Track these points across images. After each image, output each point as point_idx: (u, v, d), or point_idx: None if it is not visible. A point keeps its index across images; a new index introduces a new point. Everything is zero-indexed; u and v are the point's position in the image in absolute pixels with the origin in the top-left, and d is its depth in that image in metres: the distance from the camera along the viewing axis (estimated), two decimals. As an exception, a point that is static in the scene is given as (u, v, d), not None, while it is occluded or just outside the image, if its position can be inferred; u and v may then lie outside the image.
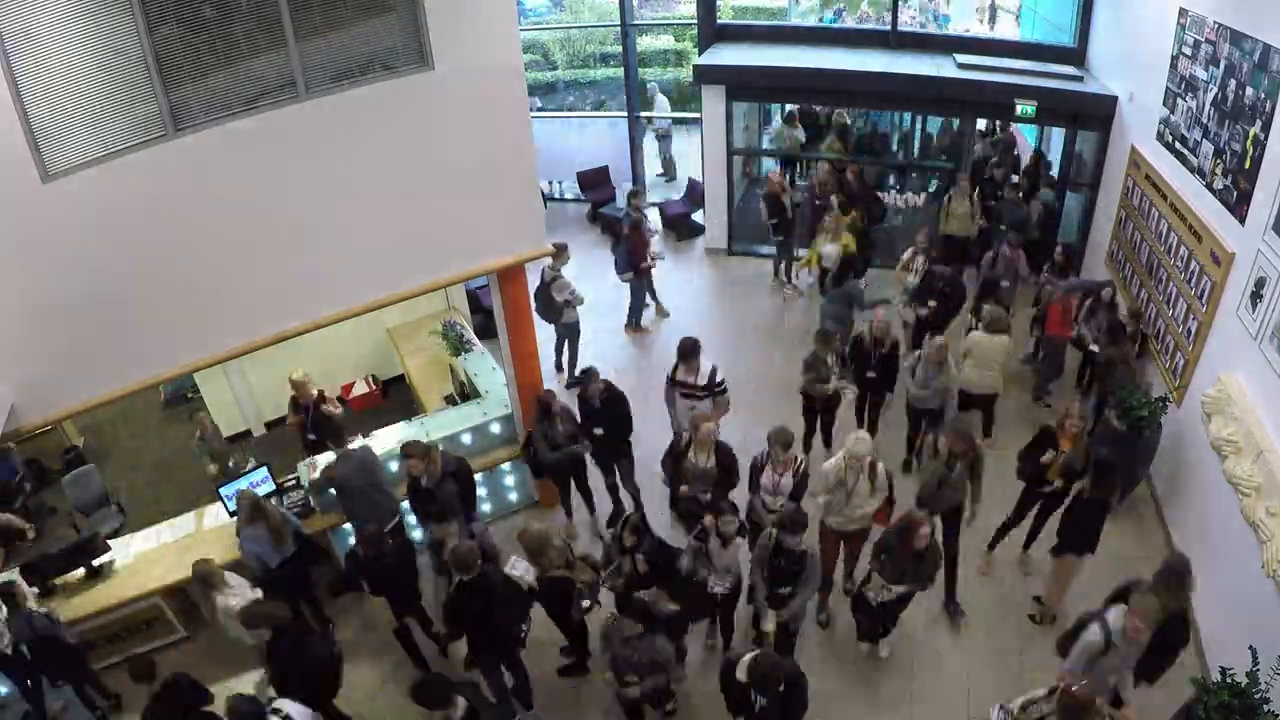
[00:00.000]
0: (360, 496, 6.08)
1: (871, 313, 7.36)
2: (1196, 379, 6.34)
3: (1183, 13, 6.96)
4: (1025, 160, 11.06)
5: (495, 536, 6.67)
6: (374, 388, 9.12)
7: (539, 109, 13.79)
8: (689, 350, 6.55)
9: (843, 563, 6.14)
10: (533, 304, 7.23)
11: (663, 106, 13.40)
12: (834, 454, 6.08)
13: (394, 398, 9.14)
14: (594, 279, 10.16)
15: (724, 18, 12.04)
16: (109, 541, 6.37)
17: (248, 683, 6.08)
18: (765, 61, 10.36)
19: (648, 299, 9.92)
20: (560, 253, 7.78)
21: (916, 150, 11.55)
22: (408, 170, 5.37)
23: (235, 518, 6.05)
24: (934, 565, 5.35)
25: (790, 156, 12.29)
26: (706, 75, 10.44)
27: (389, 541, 5.73)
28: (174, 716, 4.74)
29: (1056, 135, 10.73)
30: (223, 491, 6.42)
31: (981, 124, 10.60)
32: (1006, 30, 13.21)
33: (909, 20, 12.88)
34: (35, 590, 5.90)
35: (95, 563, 6.17)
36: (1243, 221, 5.79)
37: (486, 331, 8.78)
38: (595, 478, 6.97)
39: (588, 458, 6.76)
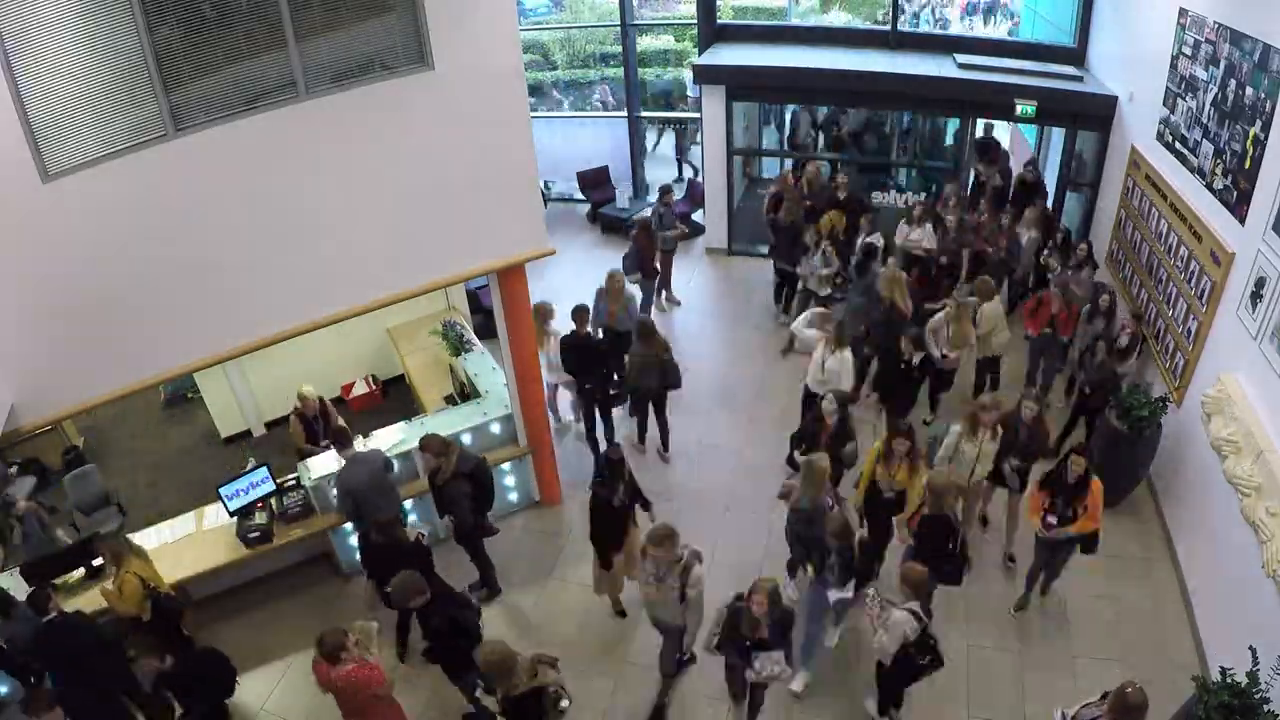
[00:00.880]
0: (366, 502, 6.04)
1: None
2: (1196, 379, 6.35)
3: (1183, 13, 6.97)
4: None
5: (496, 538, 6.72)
6: (374, 388, 9.12)
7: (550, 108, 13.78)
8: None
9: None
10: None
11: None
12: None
13: (394, 398, 9.13)
14: (593, 280, 10.14)
15: (724, 18, 12.03)
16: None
17: (244, 681, 6.11)
18: (765, 61, 10.37)
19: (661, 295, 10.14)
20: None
21: (895, 149, 11.52)
22: (408, 170, 5.37)
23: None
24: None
25: (791, 157, 12.28)
26: (706, 75, 10.45)
27: (403, 530, 5.73)
28: None
29: (1056, 135, 10.72)
30: (223, 491, 6.42)
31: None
32: (1002, 28, 13.21)
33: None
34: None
35: (95, 563, 6.16)
36: (1243, 221, 5.79)
37: (486, 331, 8.78)
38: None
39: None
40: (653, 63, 15.08)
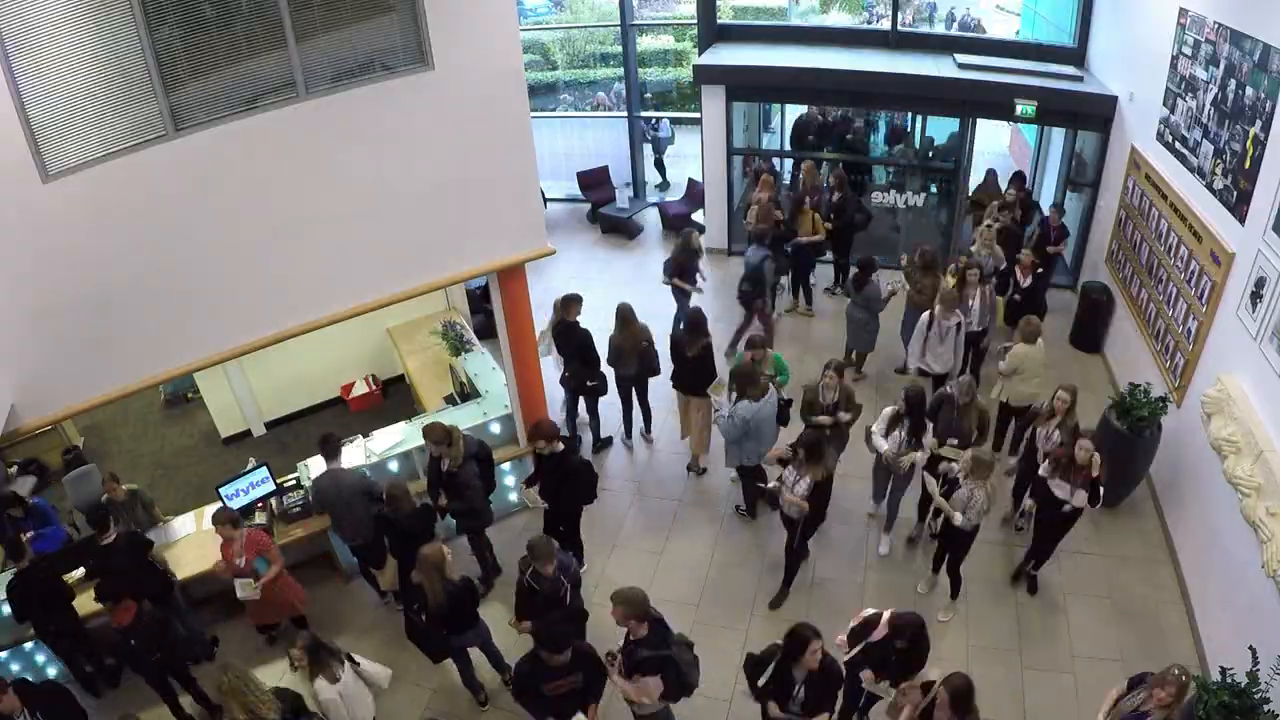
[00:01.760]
0: (341, 514, 6.06)
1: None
2: (1196, 379, 6.34)
3: (1183, 13, 6.97)
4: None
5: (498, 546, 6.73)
6: (374, 388, 9.12)
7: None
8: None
9: None
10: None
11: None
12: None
13: (394, 398, 9.13)
14: (594, 280, 10.17)
15: (724, 18, 12.04)
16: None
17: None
18: (765, 61, 10.37)
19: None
20: None
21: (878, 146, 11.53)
22: (408, 170, 5.37)
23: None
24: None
25: (790, 157, 12.29)
26: (706, 75, 10.45)
27: (413, 503, 5.78)
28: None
29: (1057, 135, 10.72)
30: (222, 491, 6.42)
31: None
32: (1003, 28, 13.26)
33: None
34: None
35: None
36: (1243, 221, 5.79)
37: (486, 331, 8.78)
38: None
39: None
40: (653, 63, 15.11)
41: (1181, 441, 6.50)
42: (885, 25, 11.05)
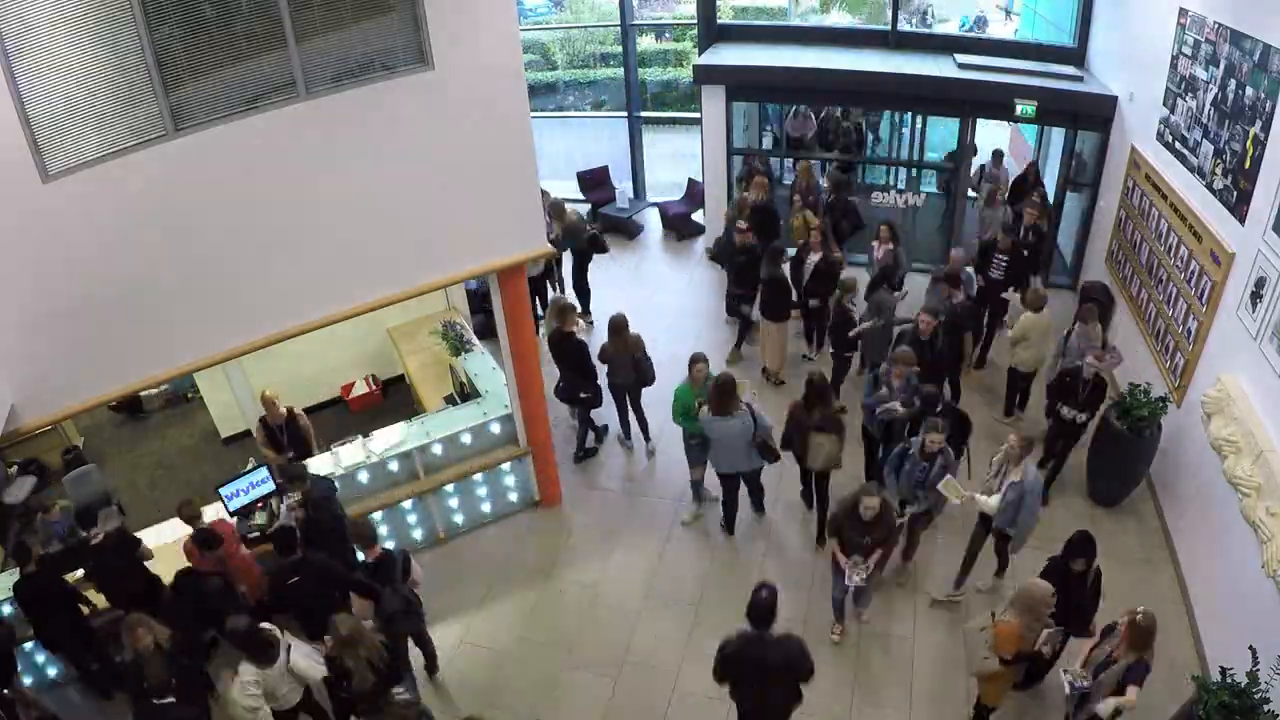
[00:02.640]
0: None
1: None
2: (1196, 379, 6.34)
3: (1183, 13, 6.97)
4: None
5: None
6: (374, 388, 9.12)
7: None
8: None
9: None
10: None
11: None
12: None
13: (394, 398, 9.14)
14: (594, 280, 10.17)
15: (724, 18, 12.03)
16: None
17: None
18: (765, 61, 10.37)
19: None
20: None
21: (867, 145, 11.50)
22: (407, 170, 5.37)
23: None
24: None
25: (790, 157, 12.29)
26: (706, 75, 10.45)
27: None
28: None
29: (1057, 135, 10.72)
30: (222, 491, 6.42)
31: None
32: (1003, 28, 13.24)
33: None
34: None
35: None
36: (1243, 221, 5.79)
37: (486, 331, 8.78)
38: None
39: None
40: (653, 63, 15.12)
41: (1181, 441, 6.50)
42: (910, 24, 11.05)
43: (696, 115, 11.13)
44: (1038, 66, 9.45)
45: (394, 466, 6.74)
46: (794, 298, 8.43)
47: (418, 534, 7.10)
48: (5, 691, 5.01)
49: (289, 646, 4.95)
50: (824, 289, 8.32)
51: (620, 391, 7.67)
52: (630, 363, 7.30)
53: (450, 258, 5.82)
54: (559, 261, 9.91)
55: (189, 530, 5.94)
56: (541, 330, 8.86)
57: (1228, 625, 5.49)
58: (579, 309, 10.14)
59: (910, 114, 10.98)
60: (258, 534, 6.37)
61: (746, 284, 8.61)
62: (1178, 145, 7.07)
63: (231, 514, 6.47)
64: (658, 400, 7.57)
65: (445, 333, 8.12)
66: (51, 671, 6.21)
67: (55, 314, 4.58)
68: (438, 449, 6.86)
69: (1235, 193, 5.95)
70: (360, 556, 5.60)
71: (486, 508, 7.30)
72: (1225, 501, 5.41)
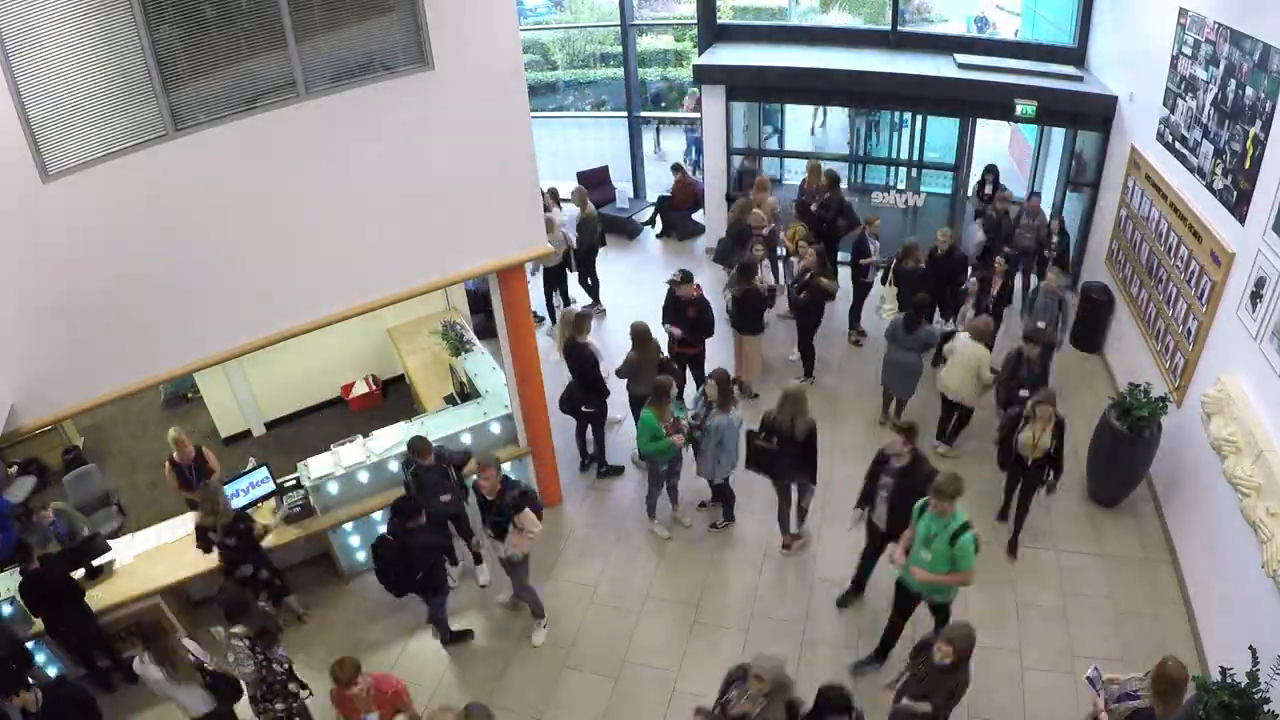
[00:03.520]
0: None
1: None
2: (1196, 379, 6.34)
3: (1183, 13, 6.97)
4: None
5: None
6: (374, 388, 9.12)
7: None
8: None
9: None
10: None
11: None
12: None
13: (394, 398, 9.14)
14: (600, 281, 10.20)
15: (724, 18, 12.04)
16: (109, 541, 6.37)
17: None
18: (765, 61, 10.37)
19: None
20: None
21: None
22: (407, 170, 5.37)
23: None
24: None
25: (789, 157, 12.30)
26: (706, 75, 10.45)
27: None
28: None
29: (1057, 135, 10.72)
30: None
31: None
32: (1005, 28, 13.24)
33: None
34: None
35: (95, 563, 6.16)
36: (1243, 221, 5.79)
37: (486, 331, 8.79)
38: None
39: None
40: (653, 63, 15.12)
41: (1181, 441, 6.50)
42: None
43: (696, 115, 11.13)
44: (1038, 66, 9.45)
45: (394, 466, 6.74)
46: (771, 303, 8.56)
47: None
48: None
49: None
50: (813, 302, 8.30)
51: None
52: (655, 371, 7.03)
53: (450, 258, 5.82)
54: (574, 253, 9.98)
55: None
56: (550, 332, 8.86)
57: (1228, 625, 5.49)
58: (589, 301, 10.23)
59: (910, 114, 10.98)
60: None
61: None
62: (1178, 145, 7.07)
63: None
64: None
65: (445, 333, 8.12)
66: (52, 671, 6.20)
67: (55, 314, 4.58)
68: (437, 449, 6.86)
69: (1235, 193, 5.95)
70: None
71: (486, 508, 7.30)
72: (1225, 501, 5.41)
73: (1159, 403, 6.55)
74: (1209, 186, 6.42)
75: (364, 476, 6.67)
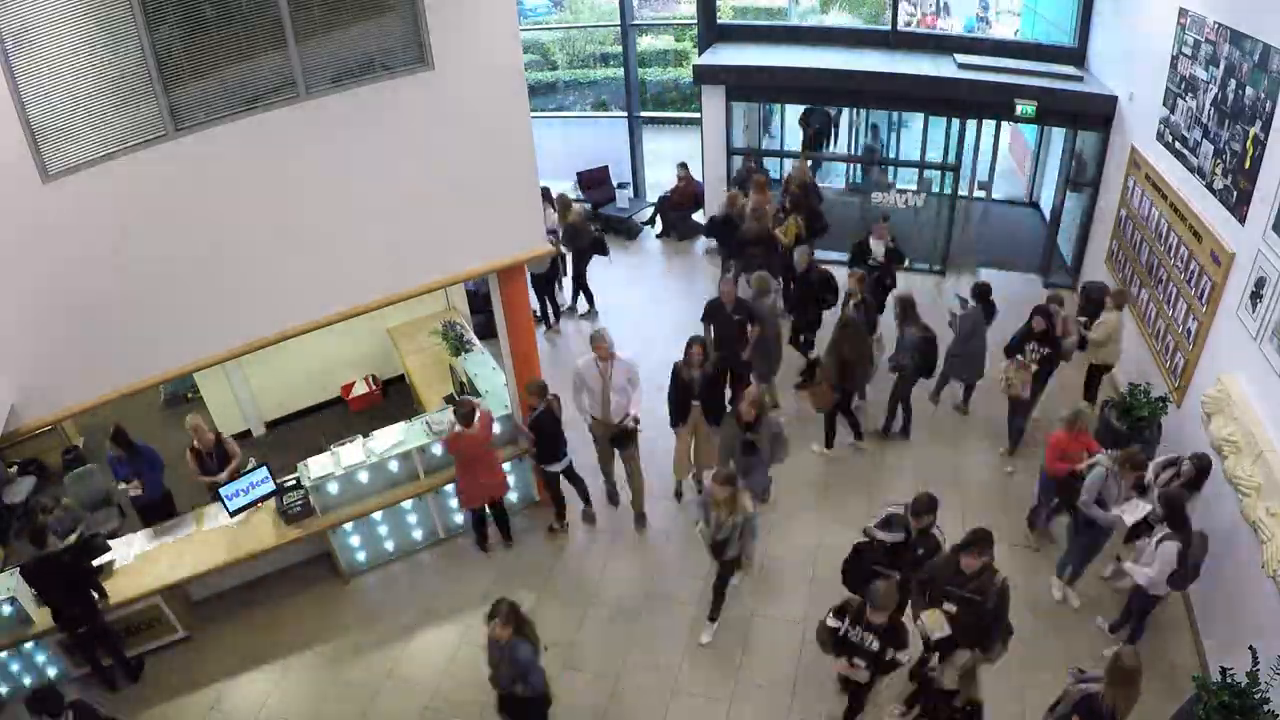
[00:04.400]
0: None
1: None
2: (1196, 379, 6.34)
3: (1183, 13, 6.97)
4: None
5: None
6: (374, 388, 9.12)
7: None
8: None
9: None
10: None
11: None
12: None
13: (394, 398, 9.13)
14: (594, 280, 10.18)
15: (724, 18, 12.04)
16: (109, 541, 6.37)
17: (244, 682, 6.11)
18: (765, 61, 10.37)
19: None
20: None
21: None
22: (408, 170, 5.37)
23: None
24: None
25: (789, 156, 12.29)
26: (706, 75, 10.45)
27: None
28: None
29: (1057, 135, 10.73)
30: (222, 491, 6.43)
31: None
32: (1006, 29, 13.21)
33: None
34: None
35: (95, 562, 6.15)
36: (1243, 221, 5.79)
37: (486, 331, 8.79)
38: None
39: None
40: (653, 63, 15.12)
41: (1182, 441, 6.49)
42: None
43: (697, 115, 11.13)
44: (1038, 66, 9.45)
45: (394, 466, 6.74)
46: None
47: (418, 534, 7.11)
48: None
49: None
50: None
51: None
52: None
53: (450, 258, 5.82)
54: (563, 258, 9.94)
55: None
56: (547, 336, 8.76)
57: (1228, 625, 5.49)
58: (585, 308, 10.22)
59: (908, 114, 11.00)
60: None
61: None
62: (1178, 145, 7.07)
63: (232, 514, 6.49)
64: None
65: (445, 333, 8.12)
66: (52, 672, 6.21)
67: (55, 314, 4.58)
68: (438, 449, 6.86)
69: (1235, 193, 5.95)
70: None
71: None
72: (1225, 501, 5.41)
73: (1159, 403, 6.55)
74: (1209, 186, 6.42)
75: (364, 476, 6.67)
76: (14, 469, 8.44)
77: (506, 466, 7.13)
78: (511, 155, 5.72)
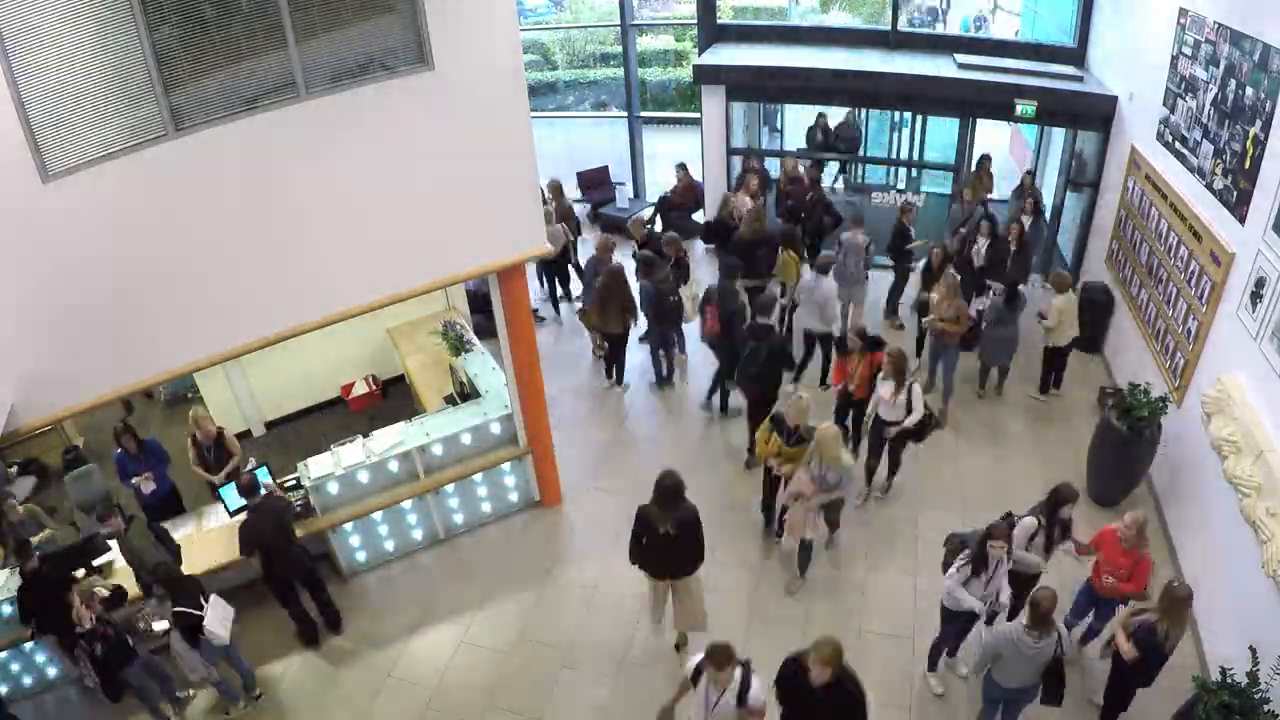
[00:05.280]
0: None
1: None
2: (1196, 379, 6.35)
3: (1183, 13, 6.97)
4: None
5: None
6: (374, 388, 9.12)
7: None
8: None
9: None
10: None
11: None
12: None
13: (394, 398, 9.14)
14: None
15: (724, 18, 12.04)
16: (109, 541, 6.36)
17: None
18: (765, 61, 10.37)
19: None
20: None
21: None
22: (408, 170, 5.37)
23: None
24: None
25: (789, 156, 12.28)
26: (706, 75, 10.46)
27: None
28: None
29: (1057, 135, 10.73)
30: (222, 492, 6.43)
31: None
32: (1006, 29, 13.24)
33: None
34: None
35: (95, 562, 6.16)
36: (1243, 221, 5.79)
37: (486, 331, 8.79)
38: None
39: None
40: (653, 63, 15.12)
41: (1181, 441, 6.50)
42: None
43: (696, 115, 11.13)
44: (1038, 66, 9.46)
45: (394, 466, 6.75)
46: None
47: (418, 534, 7.11)
48: None
49: None
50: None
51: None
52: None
53: (450, 258, 5.82)
54: (574, 244, 10.27)
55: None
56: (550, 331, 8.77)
57: (1228, 625, 5.50)
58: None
59: (910, 114, 10.99)
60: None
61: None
62: (1178, 145, 7.07)
63: (231, 514, 6.48)
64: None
65: (445, 333, 8.12)
66: (52, 672, 6.21)
67: (55, 314, 4.58)
68: (438, 449, 6.86)
69: (1235, 193, 5.95)
70: None
71: (486, 508, 7.31)
72: (1225, 501, 5.41)
73: (1159, 403, 6.55)
74: (1209, 186, 6.42)
75: (364, 476, 6.68)
76: (14, 469, 8.44)
77: (505, 467, 7.15)
78: (511, 156, 5.72)
